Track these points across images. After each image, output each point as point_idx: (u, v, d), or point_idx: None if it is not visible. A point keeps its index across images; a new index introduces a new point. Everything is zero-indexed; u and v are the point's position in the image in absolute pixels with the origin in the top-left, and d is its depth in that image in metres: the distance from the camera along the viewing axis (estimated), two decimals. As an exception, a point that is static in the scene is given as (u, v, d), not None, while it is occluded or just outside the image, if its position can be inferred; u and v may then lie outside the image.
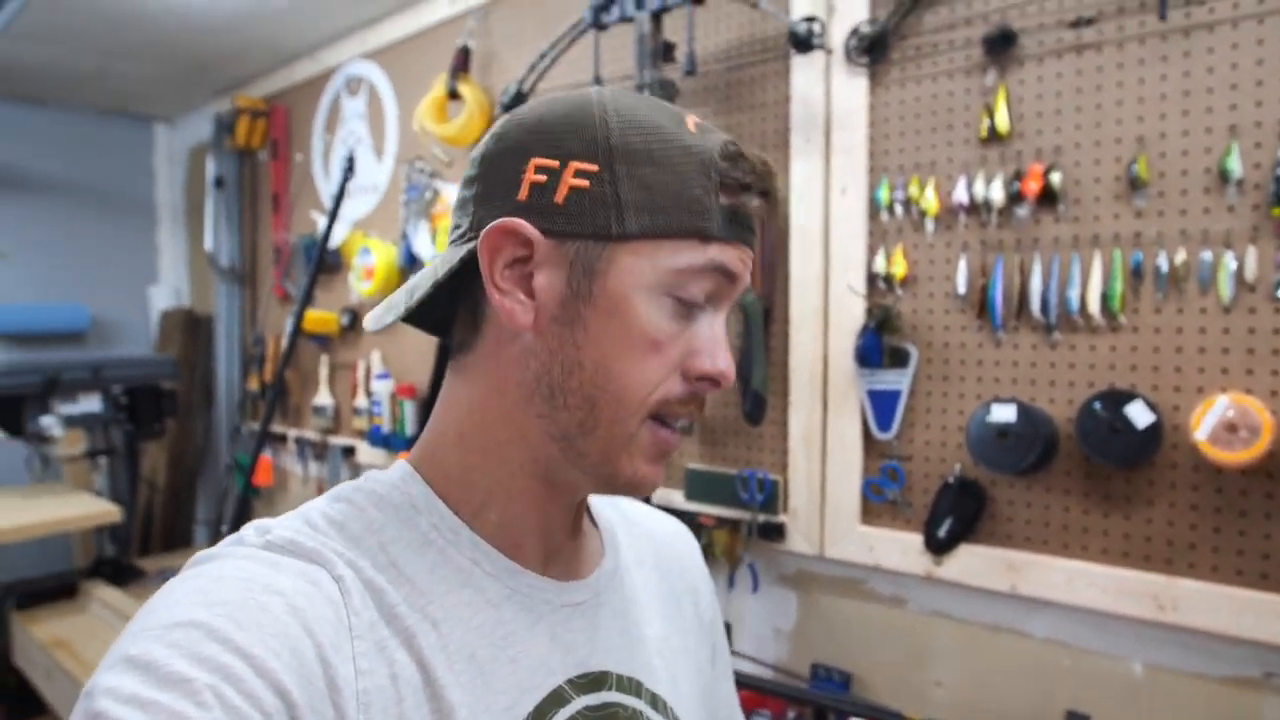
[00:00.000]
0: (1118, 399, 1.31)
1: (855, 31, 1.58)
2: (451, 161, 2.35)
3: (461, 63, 2.23)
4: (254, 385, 3.27)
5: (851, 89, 1.62)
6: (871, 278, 1.61)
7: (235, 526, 2.17)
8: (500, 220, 0.53)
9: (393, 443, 2.56)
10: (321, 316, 2.78)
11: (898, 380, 1.59)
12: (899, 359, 1.58)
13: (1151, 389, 1.31)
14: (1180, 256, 1.28)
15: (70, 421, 2.89)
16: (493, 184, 0.55)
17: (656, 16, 1.70)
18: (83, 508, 2.77)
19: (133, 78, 3.32)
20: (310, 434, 3.01)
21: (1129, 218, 1.33)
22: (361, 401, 2.74)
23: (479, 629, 0.54)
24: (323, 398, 2.93)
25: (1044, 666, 1.44)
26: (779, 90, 1.74)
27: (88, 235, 3.78)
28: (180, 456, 3.72)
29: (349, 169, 2.08)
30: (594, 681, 0.58)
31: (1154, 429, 1.28)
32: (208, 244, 3.40)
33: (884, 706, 1.56)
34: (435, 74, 2.38)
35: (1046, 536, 1.42)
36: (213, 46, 2.93)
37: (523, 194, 0.54)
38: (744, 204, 0.55)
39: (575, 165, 0.53)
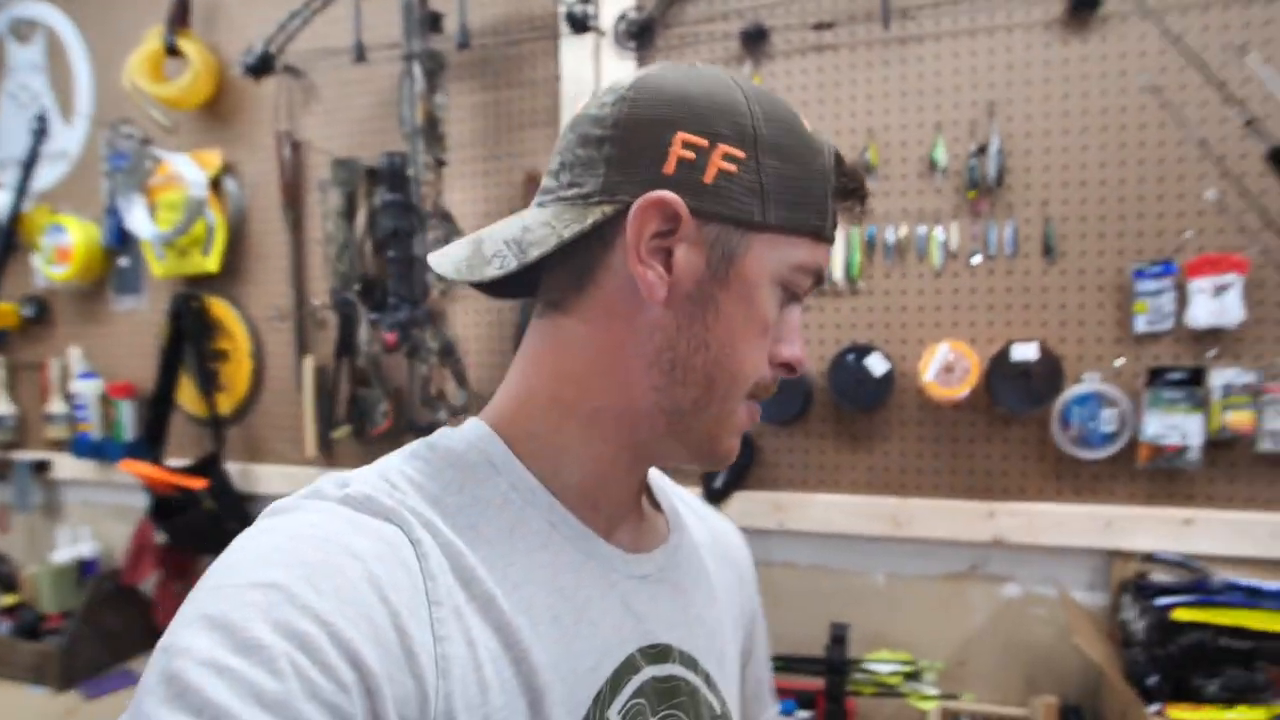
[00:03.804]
0: (860, 352, 1.54)
1: (624, 17, 1.66)
2: (175, 126, 2.08)
3: (180, 14, 1.98)
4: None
5: (620, 71, 1.70)
6: (646, 252, 1.72)
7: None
8: (657, 193, 0.52)
9: (106, 451, 2.22)
10: (-5, 307, 2.31)
11: (672, 348, 1.71)
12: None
13: (884, 342, 1.56)
14: (903, 231, 1.53)
15: None
16: (632, 150, 0.53)
17: (424, -16, 1.65)
18: None
19: None
20: (-19, 450, 2.49)
21: (862, 198, 1.56)
22: (57, 407, 2.33)
23: (560, 591, 0.54)
24: (-2, 405, 2.44)
25: (809, 589, 1.65)
26: (548, 68, 1.77)
27: None
28: None
29: (41, 130, 1.75)
30: (661, 653, 0.59)
31: (888, 376, 1.52)
32: None
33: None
34: (140, 26, 2.08)
35: (806, 476, 1.63)
36: None
37: (669, 167, 0.53)
38: (840, 210, 0.58)
39: (724, 148, 0.53)
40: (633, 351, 0.56)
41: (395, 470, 0.54)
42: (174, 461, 2.13)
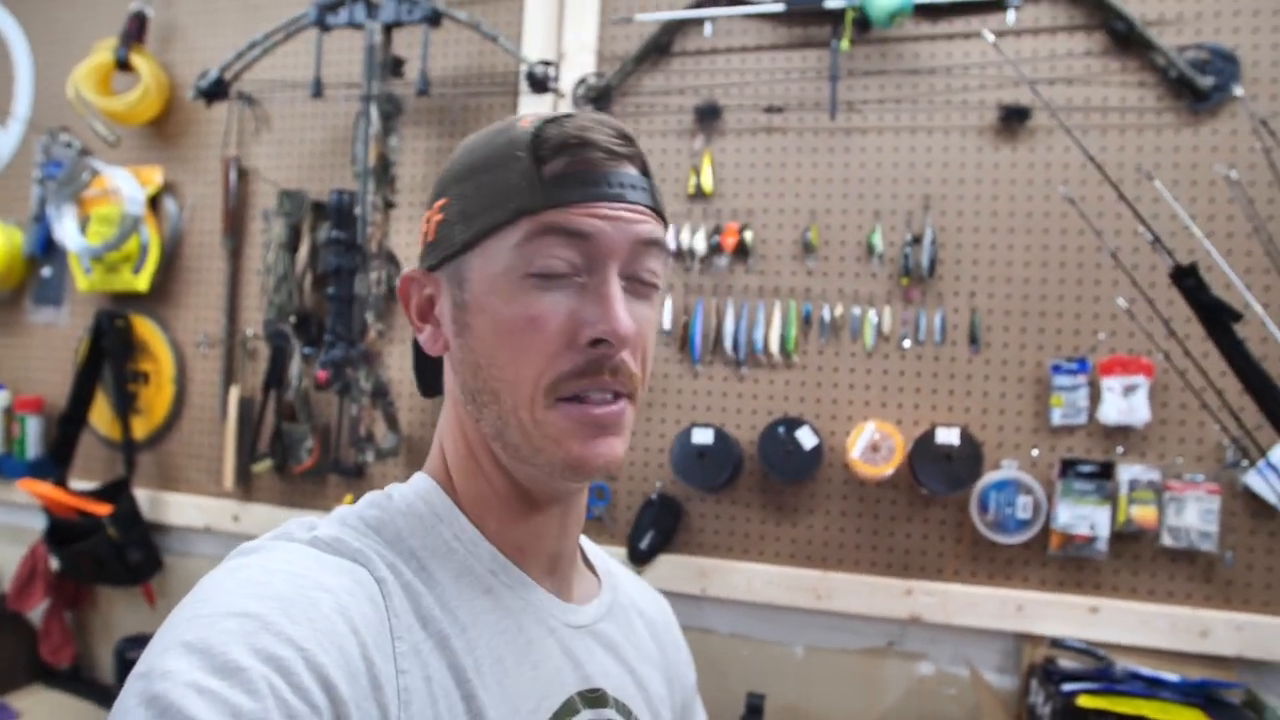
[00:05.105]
0: (791, 424, 1.57)
1: (583, 81, 1.70)
2: (118, 140, 2.03)
3: (136, 30, 1.94)
4: None
5: (577, 132, 1.73)
6: (589, 309, 1.73)
7: None
8: (404, 272, 0.63)
9: (5, 467, 2.10)
10: (-100, 309, 2.19)
11: (608, 405, 1.72)
12: (611, 385, 1.71)
13: (815, 417, 1.59)
14: (839, 310, 1.58)
15: None
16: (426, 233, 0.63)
17: (388, 29, 1.67)
18: None
19: None
20: None
21: (802, 275, 1.61)
22: (-44, 417, 2.20)
23: (503, 634, 0.57)
24: (-110, 412, 2.29)
25: (727, 657, 1.65)
26: (506, 122, 1.79)
27: None
28: None
29: (-28, 132, 1.69)
30: (598, 698, 0.62)
31: (817, 449, 1.55)
32: None
33: (589, 711, 1.66)
34: (90, 35, 2.04)
35: (732, 544, 1.65)
36: None
37: (423, 241, 0.63)
38: (566, 166, 0.55)
39: (437, 205, 0.61)
40: (454, 398, 0.62)
41: (355, 516, 0.58)
42: (79, 484, 2.03)
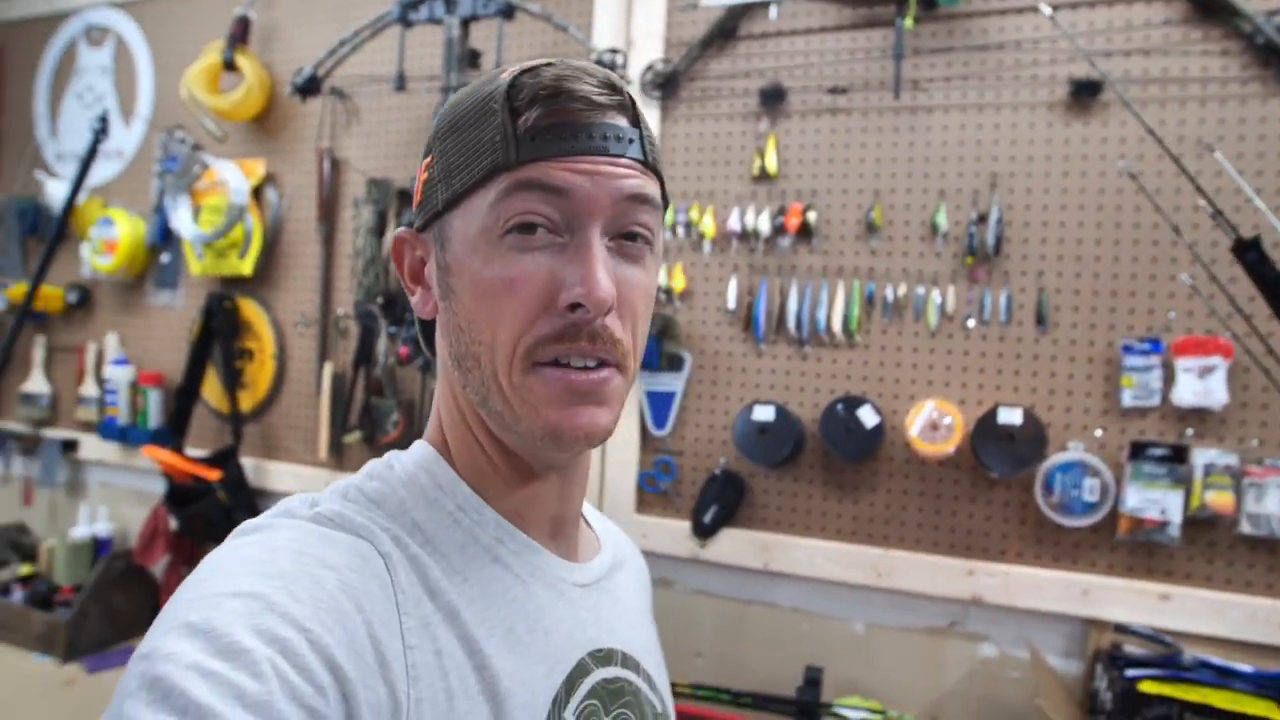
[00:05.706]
0: (852, 403, 1.58)
1: (651, 68, 1.74)
2: (225, 136, 2.20)
3: (241, 33, 2.10)
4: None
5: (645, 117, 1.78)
6: (656, 290, 1.78)
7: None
8: (395, 231, 0.63)
9: (131, 436, 2.32)
10: (43, 291, 2.43)
11: (673, 383, 1.77)
12: (675, 364, 1.76)
13: (877, 395, 1.60)
14: (902, 290, 1.58)
15: None
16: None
17: (465, 23, 1.75)
18: None
19: None
20: (15, 425, 2.61)
21: (866, 254, 1.62)
22: (90, 389, 2.44)
23: (514, 602, 0.57)
24: (36, 384, 2.56)
25: (788, 631, 1.69)
26: (578, 109, 1.85)
27: None
28: None
29: (102, 129, 1.87)
30: (606, 656, 0.62)
31: (878, 428, 1.56)
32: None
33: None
34: (202, 39, 2.21)
35: (794, 520, 1.67)
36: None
37: (415, 202, 0.62)
38: (540, 119, 0.52)
39: (424, 162, 0.60)
40: (444, 363, 0.61)
41: (355, 489, 0.57)
42: (193, 452, 2.22)
